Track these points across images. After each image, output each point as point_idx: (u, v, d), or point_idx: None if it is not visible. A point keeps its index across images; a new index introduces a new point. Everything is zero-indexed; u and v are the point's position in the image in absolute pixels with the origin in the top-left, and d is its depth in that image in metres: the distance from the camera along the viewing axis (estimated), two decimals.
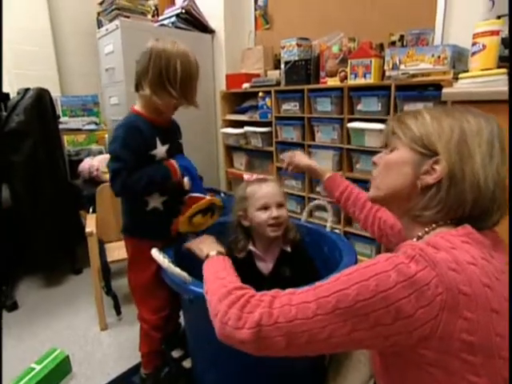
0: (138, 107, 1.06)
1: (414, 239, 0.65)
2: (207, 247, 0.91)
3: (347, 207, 1.09)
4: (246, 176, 1.16)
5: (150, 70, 0.98)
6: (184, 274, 0.84)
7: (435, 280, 0.49)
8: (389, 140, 0.72)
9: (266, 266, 1.08)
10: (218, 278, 0.73)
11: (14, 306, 1.68)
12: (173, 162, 1.07)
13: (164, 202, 1.09)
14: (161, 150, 1.06)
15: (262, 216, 1.03)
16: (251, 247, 1.10)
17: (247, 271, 1.07)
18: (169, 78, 0.97)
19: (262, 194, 1.05)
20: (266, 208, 1.04)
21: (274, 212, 1.03)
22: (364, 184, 1.74)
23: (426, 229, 0.64)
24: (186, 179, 1.07)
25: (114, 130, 1.04)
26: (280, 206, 1.05)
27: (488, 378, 0.51)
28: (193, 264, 0.91)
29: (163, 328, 1.20)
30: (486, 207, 0.60)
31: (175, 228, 1.06)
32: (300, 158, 1.20)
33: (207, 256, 0.85)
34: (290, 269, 1.05)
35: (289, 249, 1.09)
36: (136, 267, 1.14)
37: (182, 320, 1.32)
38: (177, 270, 0.85)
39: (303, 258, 1.09)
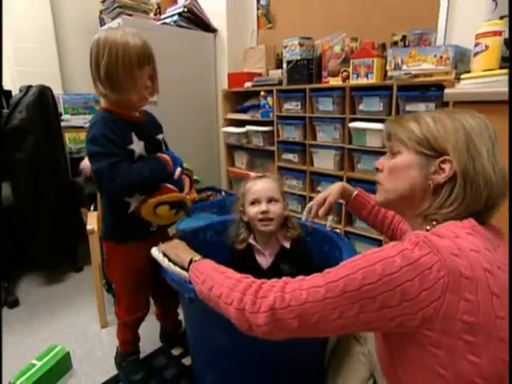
0: (104, 105, 1.02)
1: (428, 228, 0.67)
2: (185, 253, 0.91)
3: (375, 225, 1.11)
4: (252, 174, 1.18)
5: (90, 67, 0.94)
6: (184, 273, 0.85)
7: (437, 264, 0.52)
8: (390, 144, 0.74)
9: (265, 261, 1.10)
10: (220, 272, 0.75)
11: (15, 303, 1.69)
12: (164, 154, 1.06)
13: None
14: (138, 145, 1.01)
15: (252, 210, 1.06)
16: (251, 240, 1.12)
17: (247, 264, 1.09)
18: (98, 72, 0.91)
19: (255, 189, 1.08)
20: (256, 202, 1.06)
21: (263, 206, 1.05)
22: (365, 184, 1.75)
23: (434, 223, 0.66)
24: (178, 169, 1.06)
25: (87, 131, 0.97)
26: (271, 201, 1.06)
27: (488, 359, 0.53)
28: None
29: (136, 327, 1.21)
30: (496, 201, 0.64)
31: (139, 210, 1.02)
32: (331, 189, 1.11)
33: (191, 261, 0.85)
34: (289, 265, 1.06)
35: (288, 245, 1.09)
36: (113, 268, 1.14)
37: (182, 318, 1.33)
38: (177, 269, 0.85)
39: (303, 255, 1.09)
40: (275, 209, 1.06)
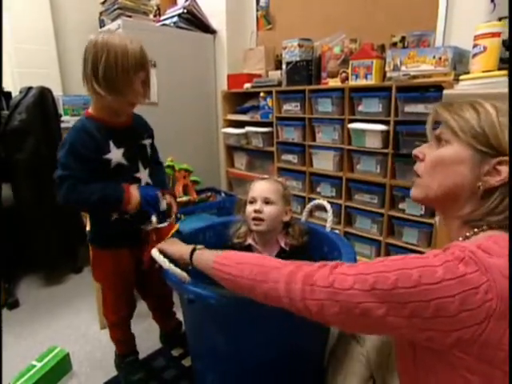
0: (90, 109, 1.01)
1: (460, 238, 0.60)
2: (183, 247, 0.91)
3: None
4: (262, 176, 1.20)
5: (83, 66, 0.94)
6: (184, 274, 0.85)
7: (486, 285, 0.46)
8: (438, 131, 0.64)
9: None
10: (256, 257, 0.72)
11: (15, 304, 1.69)
12: (133, 191, 0.99)
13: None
14: (116, 153, 0.99)
15: (248, 209, 1.09)
16: (251, 241, 1.13)
17: None
18: (95, 73, 0.90)
19: (253, 188, 1.11)
20: (253, 202, 1.09)
21: (257, 206, 1.06)
22: (365, 184, 1.76)
23: (476, 229, 0.59)
24: (153, 217, 1.01)
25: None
26: (267, 202, 1.07)
27: None
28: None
29: (124, 325, 1.21)
30: None
31: (147, 259, 0.99)
32: None
33: (194, 250, 0.85)
34: None
35: (287, 248, 1.10)
36: (97, 271, 1.15)
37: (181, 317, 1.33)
38: (177, 271, 0.85)
39: (302, 259, 1.10)
40: (269, 210, 1.06)
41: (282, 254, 1.09)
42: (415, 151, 0.67)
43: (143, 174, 1.08)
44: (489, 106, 0.59)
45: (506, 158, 0.55)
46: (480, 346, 0.46)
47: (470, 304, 0.45)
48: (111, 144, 0.98)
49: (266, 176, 1.18)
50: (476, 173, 0.57)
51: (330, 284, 0.54)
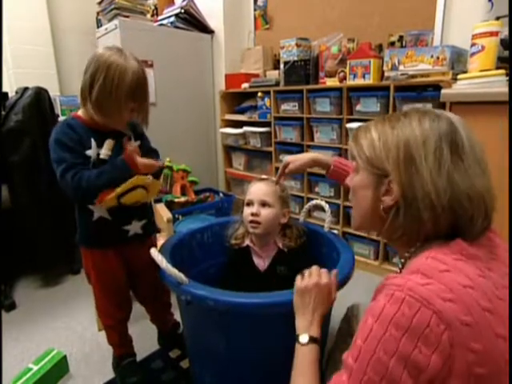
0: (79, 113, 0.99)
1: (407, 254, 0.62)
2: None
3: None
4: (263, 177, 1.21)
5: (84, 76, 0.93)
6: (181, 275, 0.84)
7: (434, 318, 0.46)
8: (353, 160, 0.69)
9: (262, 263, 1.10)
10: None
11: (12, 306, 1.67)
12: (126, 153, 0.98)
13: (109, 210, 1.01)
14: (95, 152, 0.97)
15: (246, 211, 1.09)
16: (249, 242, 1.13)
17: (243, 265, 1.10)
18: (90, 89, 0.90)
19: (251, 190, 1.11)
20: (250, 204, 1.08)
21: (254, 209, 1.06)
22: None
23: (413, 248, 0.60)
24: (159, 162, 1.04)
25: None
26: (264, 205, 1.07)
27: None
28: (189, 266, 0.91)
29: (119, 329, 1.20)
30: (457, 221, 0.56)
31: (100, 200, 0.95)
32: (298, 157, 1.18)
33: None
34: (285, 267, 1.06)
35: (286, 249, 1.09)
36: (86, 272, 1.14)
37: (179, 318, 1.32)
38: (174, 271, 0.84)
39: (300, 260, 1.09)
40: (265, 213, 1.06)
41: (281, 255, 1.09)
42: (346, 181, 0.73)
43: None
44: (373, 130, 0.62)
45: (392, 178, 0.57)
46: (455, 378, 0.46)
47: (431, 344, 0.45)
48: (93, 141, 0.97)
49: (264, 177, 1.17)
50: (378, 195, 0.61)
51: None
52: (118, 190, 0.93)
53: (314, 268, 0.81)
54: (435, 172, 0.55)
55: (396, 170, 0.57)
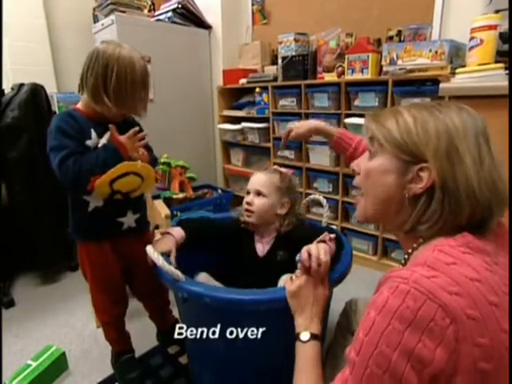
0: (79, 105, 1.01)
1: (410, 250, 0.62)
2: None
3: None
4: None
5: (89, 73, 0.93)
6: (177, 273, 0.84)
7: (439, 311, 0.45)
8: (369, 142, 0.65)
9: (262, 248, 1.12)
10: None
11: (10, 303, 1.67)
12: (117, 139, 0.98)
13: (105, 200, 1.01)
14: (95, 142, 0.98)
15: (244, 200, 1.11)
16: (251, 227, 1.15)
17: (244, 249, 1.13)
18: (104, 85, 0.91)
19: (251, 180, 1.13)
20: (248, 193, 1.11)
21: (248, 198, 1.09)
22: None
23: (421, 240, 0.59)
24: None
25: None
26: (259, 194, 1.08)
27: None
28: (186, 263, 0.90)
29: (116, 325, 1.20)
30: (482, 217, 0.55)
31: (92, 186, 0.94)
32: (302, 124, 1.22)
33: None
34: (284, 251, 1.07)
35: (283, 231, 1.11)
36: (82, 267, 1.13)
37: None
38: (170, 268, 0.84)
39: (299, 239, 1.09)
40: (259, 203, 1.07)
41: (279, 240, 1.10)
42: (352, 164, 0.69)
43: None
44: (407, 114, 0.59)
45: (426, 165, 0.55)
46: (461, 374, 0.45)
47: (436, 338, 0.45)
48: (93, 132, 0.98)
49: (274, 167, 1.18)
50: (402, 182, 0.58)
51: None
52: (108, 173, 0.94)
53: (301, 265, 0.79)
54: (478, 164, 0.54)
55: (437, 158, 0.55)
